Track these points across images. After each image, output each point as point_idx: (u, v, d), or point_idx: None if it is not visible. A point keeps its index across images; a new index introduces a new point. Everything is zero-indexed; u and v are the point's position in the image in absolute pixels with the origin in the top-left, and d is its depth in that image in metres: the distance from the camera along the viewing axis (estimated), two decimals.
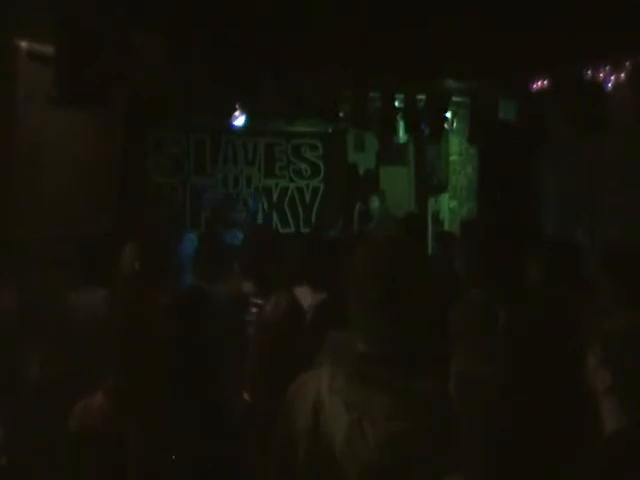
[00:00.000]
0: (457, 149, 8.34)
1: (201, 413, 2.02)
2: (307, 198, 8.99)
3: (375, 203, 8.70)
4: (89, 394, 2.10)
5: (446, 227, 8.51)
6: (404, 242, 1.88)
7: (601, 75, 5.80)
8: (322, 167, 9.03)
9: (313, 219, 8.92)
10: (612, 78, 5.75)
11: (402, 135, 7.89)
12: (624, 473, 1.70)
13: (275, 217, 8.87)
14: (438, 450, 1.67)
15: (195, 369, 2.06)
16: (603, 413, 1.76)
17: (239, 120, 6.67)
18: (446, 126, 7.23)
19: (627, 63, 5.62)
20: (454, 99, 6.95)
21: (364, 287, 1.82)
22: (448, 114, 7.10)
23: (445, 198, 8.76)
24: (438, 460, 1.65)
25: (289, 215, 8.92)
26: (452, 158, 8.49)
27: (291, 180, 8.94)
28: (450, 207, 8.62)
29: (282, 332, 2.54)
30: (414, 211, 7.63)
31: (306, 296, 3.86)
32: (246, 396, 2.50)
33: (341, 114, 6.53)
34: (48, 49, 4.90)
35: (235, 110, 6.49)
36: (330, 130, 8.89)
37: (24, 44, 5.03)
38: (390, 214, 8.19)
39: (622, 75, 5.68)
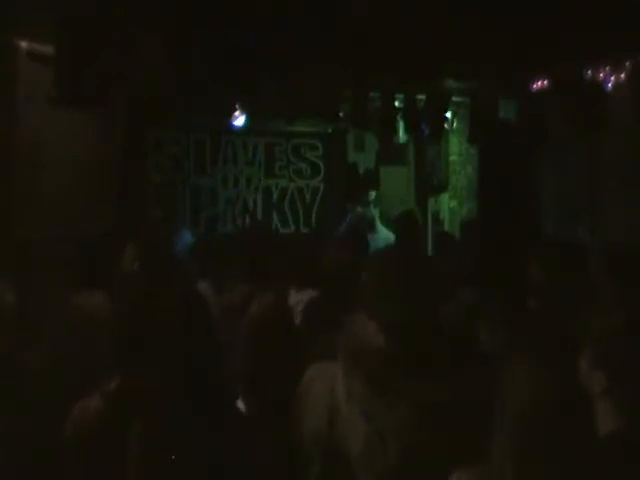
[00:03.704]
0: (457, 149, 8.34)
1: (202, 414, 2.02)
2: (307, 198, 8.98)
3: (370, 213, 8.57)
4: (88, 395, 2.10)
5: (446, 227, 8.51)
6: (418, 249, 1.93)
7: (601, 75, 5.80)
8: (322, 167, 9.00)
9: (313, 219, 8.90)
10: (612, 78, 5.75)
11: (402, 135, 7.88)
12: (620, 475, 1.70)
13: (275, 217, 8.87)
14: (455, 457, 1.66)
15: (195, 370, 2.06)
16: (598, 415, 1.76)
17: (239, 120, 6.67)
18: (446, 126, 7.22)
19: (627, 63, 5.61)
20: (454, 99, 6.94)
21: (381, 286, 1.84)
22: (448, 114, 7.10)
23: (445, 198, 8.75)
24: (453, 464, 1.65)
25: (289, 215, 8.91)
26: (452, 158, 8.48)
27: (291, 180, 8.92)
28: (450, 207, 8.62)
29: (267, 331, 2.54)
30: (407, 209, 7.58)
31: (303, 295, 3.86)
32: (242, 396, 2.50)
33: (341, 114, 6.52)
34: (48, 49, 4.89)
35: (235, 110, 6.49)
36: (330, 130, 8.87)
37: (24, 44, 5.03)
38: (387, 216, 8.08)
39: (622, 75, 5.68)
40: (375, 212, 8.42)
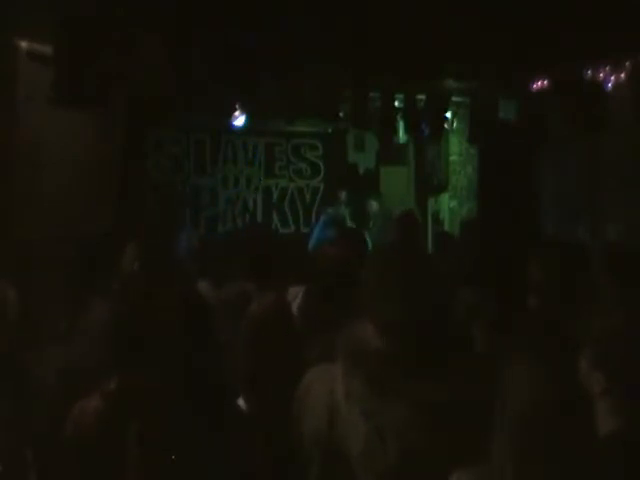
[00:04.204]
0: (457, 149, 8.35)
1: (202, 414, 2.02)
2: (307, 198, 8.99)
3: (373, 207, 8.66)
4: (88, 395, 2.10)
5: (446, 227, 8.52)
6: (418, 248, 1.93)
7: (601, 75, 5.80)
8: (322, 167, 9.02)
9: (313, 219, 8.91)
10: (612, 78, 5.75)
11: (402, 135, 7.89)
12: (620, 475, 1.70)
13: (275, 217, 8.87)
14: (455, 457, 1.66)
15: (195, 370, 2.06)
16: (599, 415, 1.76)
17: (239, 120, 6.68)
18: (446, 126, 7.23)
19: (627, 63, 5.61)
20: (454, 99, 6.95)
21: (380, 286, 1.84)
22: (448, 114, 7.10)
23: (445, 198, 8.77)
24: (453, 464, 1.65)
25: (289, 215, 8.92)
26: (452, 158, 8.49)
27: (291, 180, 8.93)
28: (450, 207, 8.63)
29: (267, 330, 2.53)
30: (409, 208, 7.60)
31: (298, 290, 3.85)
32: (243, 396, 2.50)
33: (341, 114, 6.53)
34: (48, 49, 4.90)
35: (235, 110, 6.50)
36: (330, 130, 8.89)
37: (24, 44, 5.04)
38: (388, 215, 8.12)
39: (622, 75, 5.68)
40: (346, 212, 8.48)
